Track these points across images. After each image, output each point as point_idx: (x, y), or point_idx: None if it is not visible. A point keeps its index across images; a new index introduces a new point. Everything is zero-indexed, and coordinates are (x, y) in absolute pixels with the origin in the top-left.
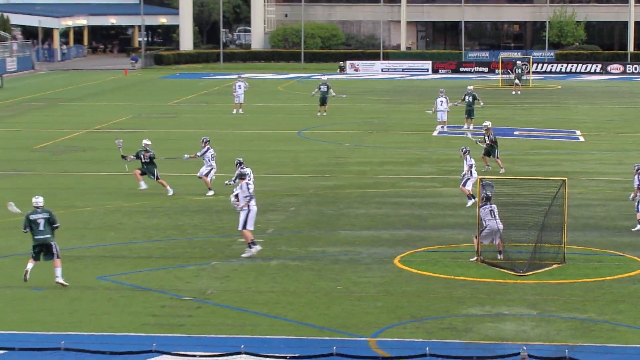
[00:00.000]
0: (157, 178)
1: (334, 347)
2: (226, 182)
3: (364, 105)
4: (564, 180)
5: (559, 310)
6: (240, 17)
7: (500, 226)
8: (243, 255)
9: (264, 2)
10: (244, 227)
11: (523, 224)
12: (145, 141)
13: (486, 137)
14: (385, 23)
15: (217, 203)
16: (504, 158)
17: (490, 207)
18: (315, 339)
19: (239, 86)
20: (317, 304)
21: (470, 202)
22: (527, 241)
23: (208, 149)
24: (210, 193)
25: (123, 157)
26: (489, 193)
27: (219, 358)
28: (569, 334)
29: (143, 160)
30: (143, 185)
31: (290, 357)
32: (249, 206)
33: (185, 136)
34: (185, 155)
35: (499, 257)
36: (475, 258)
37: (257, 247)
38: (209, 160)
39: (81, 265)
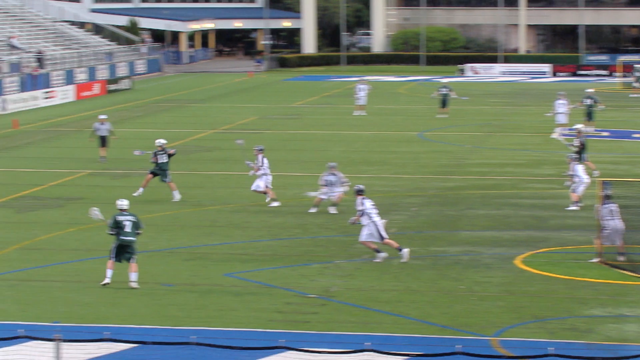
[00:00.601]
0: (169, 180)
1: (458, 346)
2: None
3: (483, 108)
4: None
5: None
6: (361, 20)
7: (621, 226)
8: (376, 260)
9: (385, 5)
10: (381, 238)
11: None
12: (159, 141)
13: (576, 140)
14: (504, 26)
15: (342, 203)
16: (624, 160)
17: (610, 206)
18: (438, 338)
19: (360, 88)
20: (439, 303)
21: (572, 207)
22: None
23: (263, 158)
24: (276, 204)
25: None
26: (609, 192)
27: (345, 355)
28: None
29: (159, 162)
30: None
31: (415, 355)
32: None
33: (310, 136)
34: (249, 163)
35: (620, 259)
36: (596, 259)
37: (383, 254)
38: (266, 169)
39: (209, 262)
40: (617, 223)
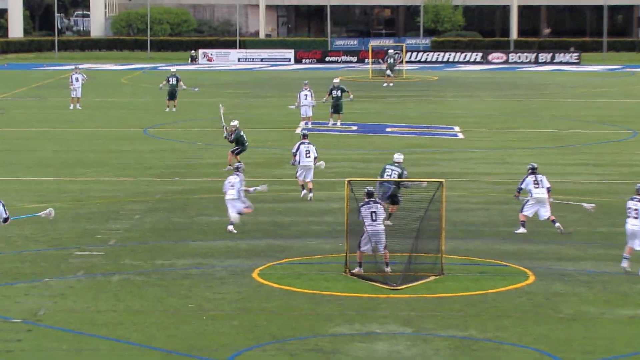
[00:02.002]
0: None
1: None
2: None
3: (218, 100)
4: (441, 182)
5: (437, 327)
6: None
7: (382, 230)
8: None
9: None
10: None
11: (396, 231)
12: None
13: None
14: (241, 7)
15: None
16: (374, 157)
17: (372, 207)
18: None
19: (76, 78)
20: (165, 324)
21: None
22: (401, 250)
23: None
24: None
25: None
26: (371, 189)
27: None
28: (448, 353)
29: None
30: None
31: None
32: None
33: (17, 135)
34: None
35: (386, 270)
36: (356, 269)
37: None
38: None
39: None
40: (378, 227)
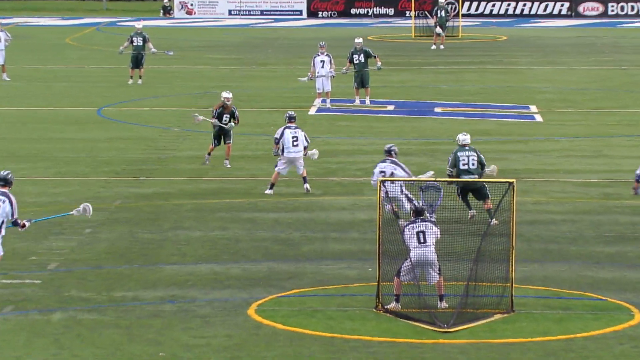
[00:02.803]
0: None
1: None
2: None
3: (202, 68)
4: (510, 183)
5: None
6: None
7: (433, 256)
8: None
9: None
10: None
11: (448, 252)
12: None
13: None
14: None
15: None
16: (421, 148)
17: (420, 225)
18: None
19: None
20: None
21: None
22: (455, 279)
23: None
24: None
25: None
26: (419, 205)
27: None
28: None
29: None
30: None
31: None
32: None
33: None
34: None
35: (440, 305)
36: (393, 304)
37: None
38: None
39: None
40: (427, 251)
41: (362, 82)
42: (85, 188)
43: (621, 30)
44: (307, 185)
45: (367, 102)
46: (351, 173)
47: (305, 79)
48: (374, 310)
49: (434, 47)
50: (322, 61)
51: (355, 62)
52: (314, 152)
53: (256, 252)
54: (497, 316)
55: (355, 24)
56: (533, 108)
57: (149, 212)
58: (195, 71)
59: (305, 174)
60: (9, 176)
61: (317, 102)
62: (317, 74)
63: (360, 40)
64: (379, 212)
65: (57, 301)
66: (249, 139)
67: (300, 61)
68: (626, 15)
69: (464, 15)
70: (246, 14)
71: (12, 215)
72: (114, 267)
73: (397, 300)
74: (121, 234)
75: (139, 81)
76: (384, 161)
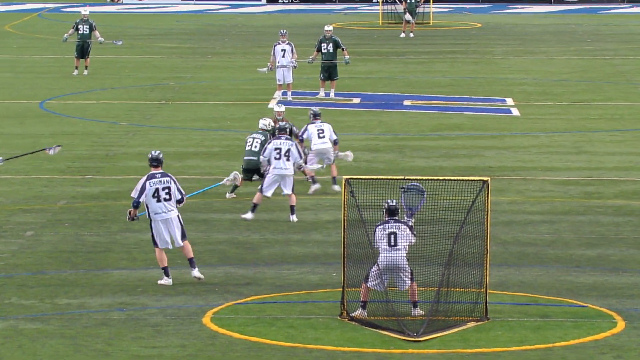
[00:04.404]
0: None
1: None
2: None
3: (152, 58)
4: (484, 182)
5: None
6: None
7: (402, 261)
8: None
9: None
10: None
11: (417, 255)
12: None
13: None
14: None
15: None
16: (389, 145)
17: (392, 226)
18: None
19: None
20: None
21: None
22: (425, 284)
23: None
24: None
25: None
26: (393, 204)
27: None
28: None
29: None
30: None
31: None
32: None
33: None
34: None
35: (413, 312)
36: (359, 311)
37: None
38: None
39: None
40: (397, 256)
41: (329, 74)
42: (26, 187)
43: (604, 17)
44: (335, 187)
45: (332, 95)
46: (315, 172)
47: (265, 69)
48: (339, 318)
49: (403, 35)
50: (283, 50)
51: (323, 51)
52: (348, 154)
53: (212, 256)
54: (471, 324)
55: (318, 10)
56: (509, 101)
57: (96, 213)
58: (145, 61)
59: (335, 174)
60: None
61: (278, 94)
62: (277, 64)
63: (331, 28)
64: (344, 213)
65: None
66: (203, 134)
67: (259, 51)
68: (609, 1)
69: (435, 1)
70: (201, 0)
71: (180, 193)
72: (57, 272)
73: (363, 307)
74: (65, 237)
75: (85, 72)
76: (278, 137)
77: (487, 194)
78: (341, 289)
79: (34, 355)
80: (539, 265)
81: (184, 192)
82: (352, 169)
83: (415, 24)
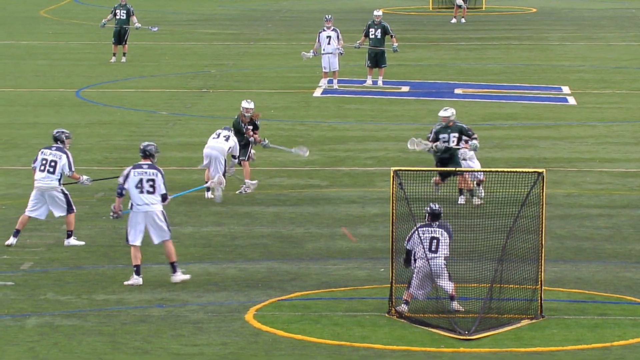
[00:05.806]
0: None
1: None
2: None
3: (193, 45)
4: (539, 174)
5: None
6: None
7: (440, 269)
8: None
9: None
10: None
11: (469, 250)
12: None
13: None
14: None
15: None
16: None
17: (433, 231)
18: None
19: None
20: None
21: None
22: (477, 280)
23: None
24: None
25: None
26: (436, 208)
27: None
28: None
29: None
30: None
31: None
32: None
33: None
34: None
35: (452, 306)
36: (401, 307)
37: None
38: None
39: None
40: (435, 264)
41: (376, 61)
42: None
43: None
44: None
45: (380, 82)
46: (361, 162)
47: (310, 54)
48: (387, 315)
49: (454, 20)
50: (329, 37)
51: (371, 36)
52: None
53: (254, 251)
54: (525, 322)
55: None
56: (565, 89)
57: None
58: (185, 48)
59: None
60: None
61: (323, 82)
62: (322, 51)
63: (380, 13)
64: (393, 206)
65: (31, 305)
66: None
67: (303, 37)
68: None
69: None
70: None
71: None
72: (95, 267)
73: (406, 304)
74: (103, 230)
75: (123, 59)
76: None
77: (542, 186)
78: (389, 285)
79: (71, 353)
80: (596, 261)
81: (167, 193)
82: (401, 160)
83: (467, 8)
